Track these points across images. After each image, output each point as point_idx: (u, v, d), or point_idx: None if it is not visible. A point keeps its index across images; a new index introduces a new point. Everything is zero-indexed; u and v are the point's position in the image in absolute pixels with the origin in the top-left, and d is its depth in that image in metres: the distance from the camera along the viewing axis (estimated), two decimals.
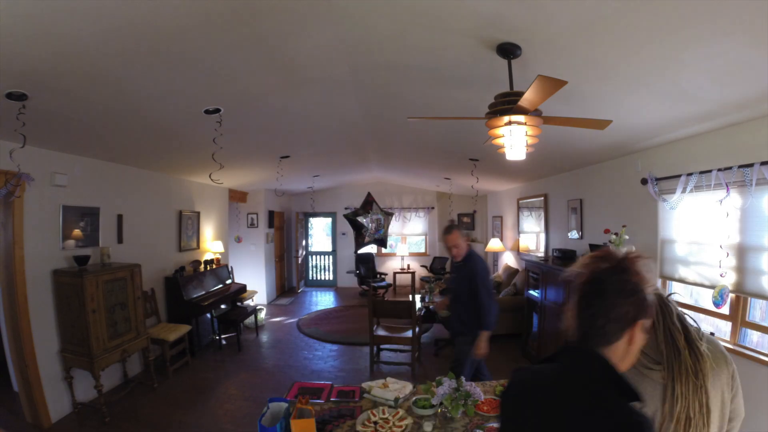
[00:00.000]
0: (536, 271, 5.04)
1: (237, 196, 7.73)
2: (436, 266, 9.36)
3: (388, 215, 6.83)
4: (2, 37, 1.69)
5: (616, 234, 3.82)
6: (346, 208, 9.90)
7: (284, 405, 2.04)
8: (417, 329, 4.69)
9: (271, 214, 8.73)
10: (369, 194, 6.92)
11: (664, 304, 1.13)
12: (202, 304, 5.26)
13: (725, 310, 2.90)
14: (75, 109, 2.64)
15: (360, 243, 6.75)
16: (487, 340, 3.07)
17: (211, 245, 6.50)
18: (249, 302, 6.99)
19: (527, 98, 1.81)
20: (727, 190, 2.74)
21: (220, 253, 6.66)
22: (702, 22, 1.63)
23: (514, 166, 5.20)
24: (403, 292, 9.33)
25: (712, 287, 2.91)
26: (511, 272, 6.74)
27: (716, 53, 1.85)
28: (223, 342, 5.70)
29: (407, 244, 10.22)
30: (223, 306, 5.86)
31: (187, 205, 5.84)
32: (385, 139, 5.16)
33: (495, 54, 2.04)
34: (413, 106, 3.27)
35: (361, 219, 6.72)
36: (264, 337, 6.19)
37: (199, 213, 6.15)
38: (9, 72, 2.01)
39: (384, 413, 2.10)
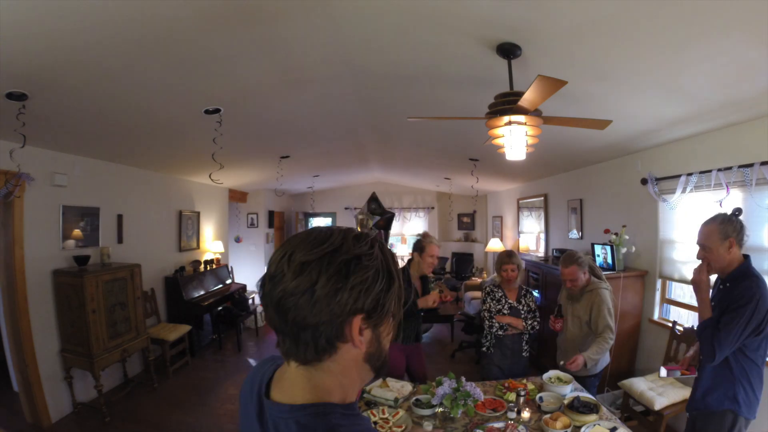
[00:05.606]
0: (536, 271, 5.04)
1: (237, 196, 7.72)
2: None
3: (374, 215, 6.71)
4: (2, 37, 1.69)
5: (616, 234, 3.83)
6: (345, 208, 9.93)
7: None
8: None
9: (271, 214, 8.72)
10: (372, 194, 6.93)
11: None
12: (202, 304, 5.26)
13: None
14: (75, 108, 2.64)
15: None
16: None
17: (211, 245, 6.49)
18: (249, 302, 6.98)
19: (527, 98, 1.81)
20: (727, 190, 2.74)
21: (220, 253, 6.65)
22: (702, 21, 1.63)
23: (514, 166, 5.19)
24: None
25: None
26: None
27: (716, 53, 1.85)
28: (222, 336, 5.69)
29: (407, 244, 10.21)
30: (227, 304, 5.85)
31: (187, 205, 5.84)
32: (386, 139, 5.16)
33: (495, 54, 2.04)
34: (413, 106, 3.26)
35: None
36: (264, 338, 6.18)
37: (199, 213, 6.14)
38: (9, 72, 2.01)
39: (384, 413, 2.10)
